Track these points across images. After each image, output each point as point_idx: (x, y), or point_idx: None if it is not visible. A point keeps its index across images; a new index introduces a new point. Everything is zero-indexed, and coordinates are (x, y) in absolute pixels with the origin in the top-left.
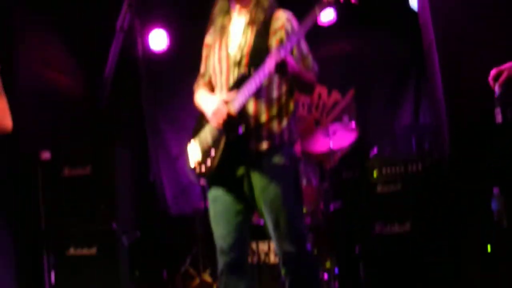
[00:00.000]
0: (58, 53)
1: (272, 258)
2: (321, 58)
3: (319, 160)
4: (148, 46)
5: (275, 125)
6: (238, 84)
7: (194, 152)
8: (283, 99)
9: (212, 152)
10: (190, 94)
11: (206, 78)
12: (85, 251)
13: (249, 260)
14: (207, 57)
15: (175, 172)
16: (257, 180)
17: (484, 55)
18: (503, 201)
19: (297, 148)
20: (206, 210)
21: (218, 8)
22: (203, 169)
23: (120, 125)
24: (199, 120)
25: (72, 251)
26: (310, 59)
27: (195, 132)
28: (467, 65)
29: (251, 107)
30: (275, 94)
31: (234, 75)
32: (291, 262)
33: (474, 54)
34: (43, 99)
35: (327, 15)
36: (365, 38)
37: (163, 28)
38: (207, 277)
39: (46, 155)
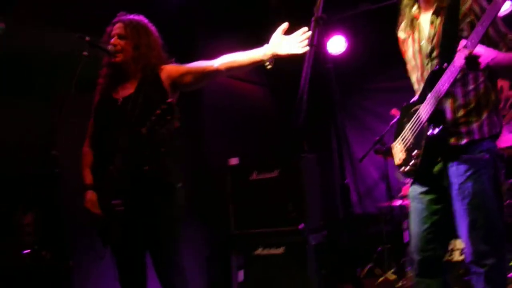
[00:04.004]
0: None
1: (456, 256)
2: None
3: (505, 156)
4: (330, 54)
5: (473, 120)
6: (431, 81)
7: (398, 151)
8: (481, 90)
9: (415, 151)
10: (372, 96)
11: (413, 76)
12: (273, 251)
13: None
14: (405, 53)
15: (359, 174)
16: (455, 177)
17: None
18: None
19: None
20: (391, 210)
21: (405, 1)
22: (408, 168)
23: (308, 131)
24: (400, 119)
25: (260, 251)
26: (510, 36)
27: (398, 131)
28: None
29: (447, 103)
30: (471, 86)
31: (428, 69)
32: (486, 264)
33: None
34: (229, 109)
35: (504, 6)
36: None
37: (341, 33)
38: (392, 276)
39: (234, 161)
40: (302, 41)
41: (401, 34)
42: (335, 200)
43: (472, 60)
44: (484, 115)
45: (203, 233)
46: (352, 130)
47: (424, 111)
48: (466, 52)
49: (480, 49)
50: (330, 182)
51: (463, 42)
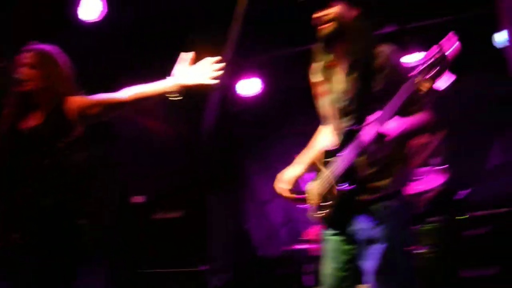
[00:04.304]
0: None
1: None
2: None
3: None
4: (240, 95)
5: (385, 175)
6: (346, 139)
7: (314, 195)
8: (394, 147)
9: (329, 201)
10: (280, 138)
11: (325, 119)
12: None
13: None
14: (318, 97)
15: (264, 216)
16: (364, 223)
17: None
18: None
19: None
20: (294, 252)
21: (317, 48)
22: (321, 214)
23: (214, 172)
24: (320, 163)
25: None
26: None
27: (316, 174)
28: None
29: (361, 159)
30: (384, 143)
31: (342, 122)
32: None
33: None
34: (138, 146)
35: (417, 56)
36: (456, 79)
37: (256, 75)
38: None
39: (139, 198)
40: (211, 71)
41: (314, 77)
42: (241, 242)
43: (378, 139)
44: (396, 171)
45: (106, 271)
46: (260, 172)
47: (339, 165)
48: (376, 127)
49: (389, 129)
50: (236, 223)
51: (376, 114)
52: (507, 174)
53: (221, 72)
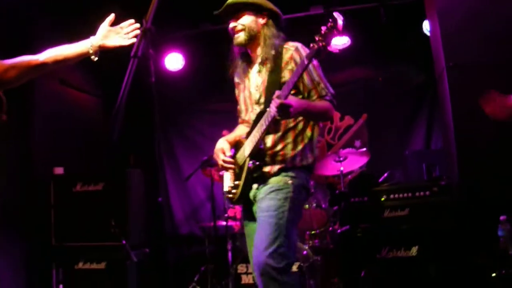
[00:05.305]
0: (76, 72)
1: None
2: (335, 83)
3: (329, 183)
4: (163, 70)
5: (289, 151)
6: (255, 122)
7: (227, 179)
8: (300, 126)
9: (237, 181)
10: (204, 116)
11: (242, 115)
12: (94, 266)
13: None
14: (238, 96)
15: (185, 193)
16: (259, 195)
17: (494, 82)
18: (509, 229)
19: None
20: (216, 230)
21: (236, 52)
22: (231, 195)
23: (135, 146)
24: (236, 151)
25: (81, 265)
26: (322, 85)
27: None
28: (477, 93)
29: (269, 140)
30: (291, 124)
31: (255, 112)
32: (267, 277)
33: (484, 81)
34: (60, 117)
35: (342, 41)
36: (379, 65)
37: (179, 51)
38: None
39: (59, 170)
40: (129, 32)
41: (236, 78)
42: (160, 218)
43: (283, 109)
44: (299, 149)
45: (23, 244)
46: (182, 149)
47: (247, 146)
48: (277, 102)
49: (291, 100)
50: (156, 199)
51: (276, 93)
52: (427, 160)
53: (136, 32)
